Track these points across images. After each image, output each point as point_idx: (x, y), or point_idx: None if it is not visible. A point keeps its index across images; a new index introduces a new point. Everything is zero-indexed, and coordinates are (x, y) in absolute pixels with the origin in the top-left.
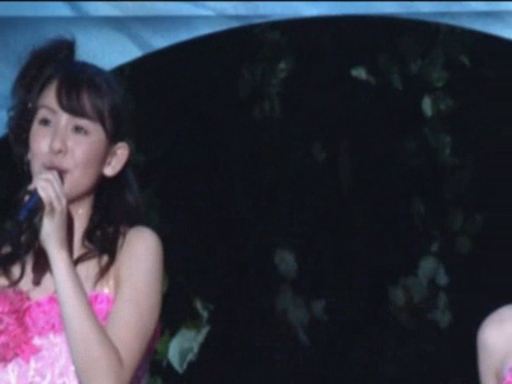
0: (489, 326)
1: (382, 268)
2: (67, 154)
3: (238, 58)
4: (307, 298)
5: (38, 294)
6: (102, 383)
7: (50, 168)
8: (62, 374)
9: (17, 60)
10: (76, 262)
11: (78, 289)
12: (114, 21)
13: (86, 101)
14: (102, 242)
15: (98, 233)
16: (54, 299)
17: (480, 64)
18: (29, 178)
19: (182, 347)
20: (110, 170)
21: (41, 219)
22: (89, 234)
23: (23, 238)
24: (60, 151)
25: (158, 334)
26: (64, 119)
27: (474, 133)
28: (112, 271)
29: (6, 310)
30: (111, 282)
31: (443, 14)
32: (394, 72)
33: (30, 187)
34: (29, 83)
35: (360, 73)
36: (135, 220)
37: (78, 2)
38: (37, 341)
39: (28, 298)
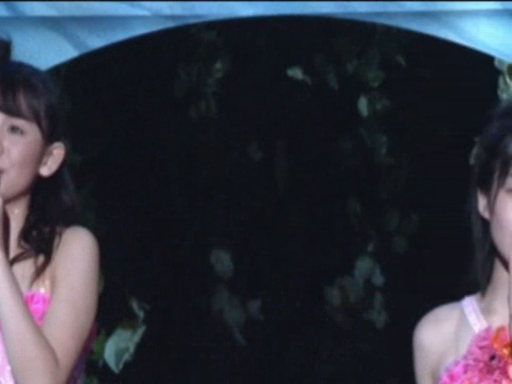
0: (425, 326)
1: (318, 268)
2: (3, 154)
3: (174, 58)
4: (243, 298)
5: None
6: (38, 383)
7: None
8: None
9: None
10: (12, 262)
11: (14, 289)
12: (50, 21)
13: (22, 101)
14: (38, 242)
15: (34, 233)
16: None
17: (416, 64)
18: None
19: (117, 347)
20: (46, 170)
21: None
22: (25, 234)
23: None
24: None
25: (94, 334)
26: (0, 119)
27: (410, 133)
28: (48, 271)
29: None
30: (47, 282)
31: (379, 14)
32: (330, 72)
33: None
34: None
35: (296, 73)
36: (71, 220)
37: (14, 2)
38: None
39: None
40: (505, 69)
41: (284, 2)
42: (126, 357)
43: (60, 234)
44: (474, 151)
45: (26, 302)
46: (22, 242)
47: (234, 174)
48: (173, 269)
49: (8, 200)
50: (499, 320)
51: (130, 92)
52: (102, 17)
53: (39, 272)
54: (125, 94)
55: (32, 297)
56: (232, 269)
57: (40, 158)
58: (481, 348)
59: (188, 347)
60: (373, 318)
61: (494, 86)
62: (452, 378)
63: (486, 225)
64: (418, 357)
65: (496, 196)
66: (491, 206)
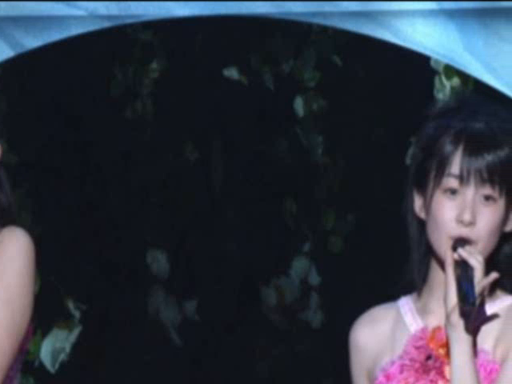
0: (360, 326)
1: (254, 268)
2: None
3: (110, 58)
4: (179, 298)
5: None
6: None
7: None
8: None
9: None
10: None
11: None
12: None
13: None
14: None
15: None
16: None
17: (352, 64)
18: None
19: (54, 347)
20: None
21: None
22: None
23: None
24: None
25: (31, 334)
26: None
27: (346, 133)
28: None
29: None
30: None
31: (315, 14)
32: (266, 72)
33: None
34: None
35: (232, 73)
36: (7, 220)
37: None
38: None
39: None
40: (441, 69)
41: (220, 2)
42: (62, 357)
43: None
44: (410, 151)
45: None
46: None
47: (169, 174)
48: (109, 269)
49: None
50: (435, 320)
51: (66, 92)
52: (38, 17)
53: None
54: (61, 94)
55: None
56: (168, 269)
57: None
58: (417, 348)
59: (124, 347)
60: (309, 318)
61: (430, 86)
62: (388, 377)
63: (422, 225)
64: (353, 356)
65: (432, 196)
66: (427, 206)
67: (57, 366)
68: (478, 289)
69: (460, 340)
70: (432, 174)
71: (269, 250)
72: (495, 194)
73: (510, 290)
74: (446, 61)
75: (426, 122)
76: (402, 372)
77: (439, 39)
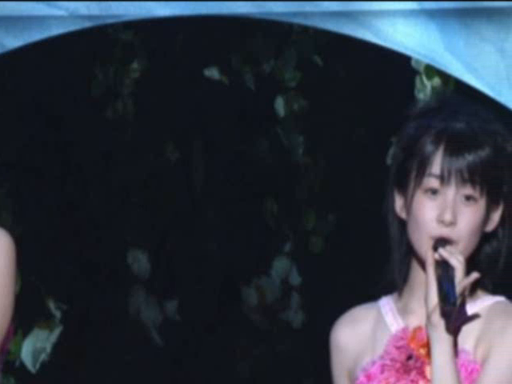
0: (341, 326)
1: (235, 268)
2: None
3: (90, 58)
4: (160, 298)
5: None
6: None
7: None
8: None
9: None
10: None
11: None
12: None
13: None
14: None
15: None
16: None
17: (333, 64)
18: None
19: (34, 347)
20: None
21: None
22: None
23: None
24: None
25: (11, 334)
26: None
27: (327, 133)
28: None
29: None
30: None
31: (296, 14)
32: (246, 72)
33: None
34: None
35: (213, 73)
36: None
37: None
38: None
39: None
40: (422, 69)
41: (201, 2)
42: (43, 357)
43: None
44: (391, 151)
45: None
46: None
47: (150, 174)
48: (89, 269)
49: None
50: (416, 320)
51: (47, 92)
52: (18, 17)
53: None
54: (42, 94)
55: None
56: (149, 269)
57: None
58: (398, 348)
59: (105, 347)
60: (289, 318)
61: (411, 86)
62: (369, 377)
63: (402, 225)
64: (334, 357)
65: (413, 196)
66: (408, 206)
67: (37, 365)
68: (458, 289)
69: (441, 340)
70: (413, 174)
71: (249, 250)
72: (476, 194)
73: (490, 290)
74: (426, 61)
75: (407, 122)
76: (382, 372)
77: (420, 39)
